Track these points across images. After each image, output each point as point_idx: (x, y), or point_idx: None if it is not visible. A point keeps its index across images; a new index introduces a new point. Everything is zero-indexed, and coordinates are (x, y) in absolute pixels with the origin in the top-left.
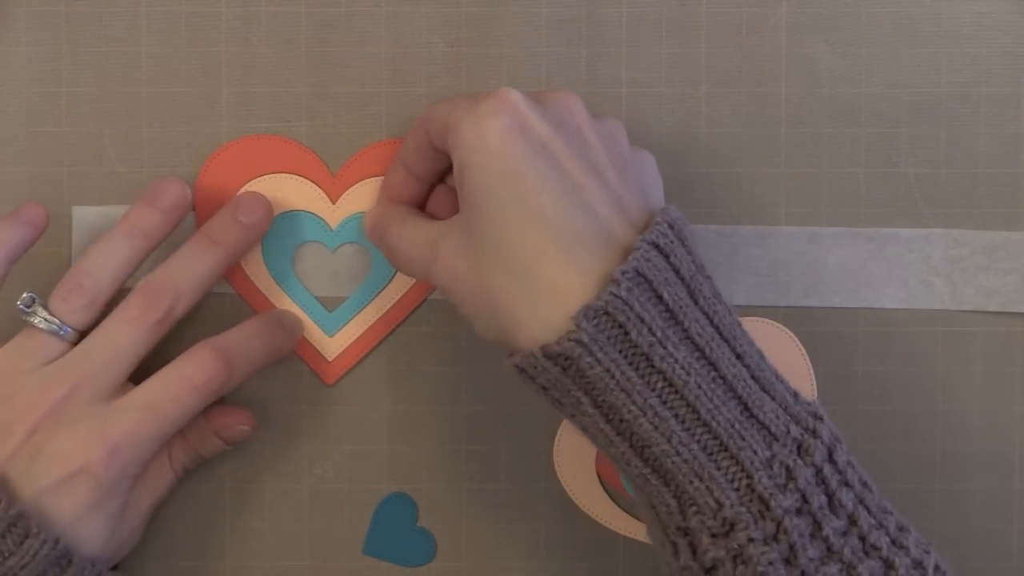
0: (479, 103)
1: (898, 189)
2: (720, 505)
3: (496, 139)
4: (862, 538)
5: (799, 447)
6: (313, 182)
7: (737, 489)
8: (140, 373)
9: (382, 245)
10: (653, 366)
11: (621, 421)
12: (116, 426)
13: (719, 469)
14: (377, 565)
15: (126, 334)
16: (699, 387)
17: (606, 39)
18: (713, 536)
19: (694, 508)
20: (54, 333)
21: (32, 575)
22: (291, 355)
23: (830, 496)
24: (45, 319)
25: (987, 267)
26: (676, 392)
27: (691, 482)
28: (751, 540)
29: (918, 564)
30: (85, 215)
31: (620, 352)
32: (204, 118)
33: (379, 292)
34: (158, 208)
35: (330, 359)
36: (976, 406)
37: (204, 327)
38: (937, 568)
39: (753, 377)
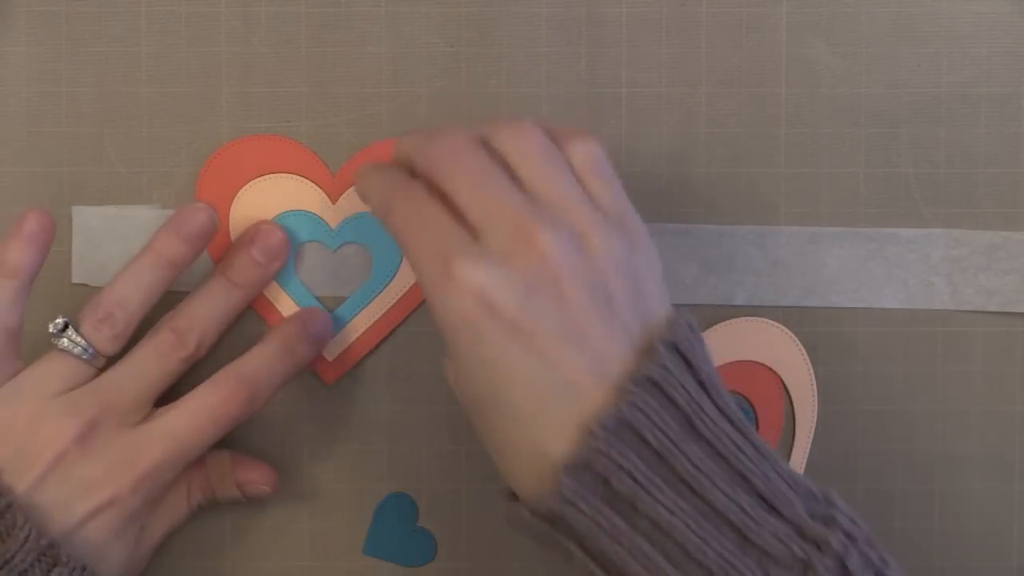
0: (445, 282)
1: (898, 189)
2: None
3: (463, 330)
4: None
5: (804, 566)
6: (313, 182)
7: None
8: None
9: (390, 219)
10: (637, 511)
11: (611, 565)
12: (144, 456)
13: None
14: (377, 565)
15: (156, 365)
16: (687, 525)
17: (606, 39)
18: None
19: None
20: (84, 359)
21: None
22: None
23: None
24: (79, 344)
25: (987, 267)
26: (663, 533)
27: None
28: None
29: None
30: (85, 215)
31: (604, 501)
32: (204, 118)
33: (379, 292)
34: (183, 237)
35: (330, 359)
36: (976, 406)
37: None
38: None
39: (759, 495)
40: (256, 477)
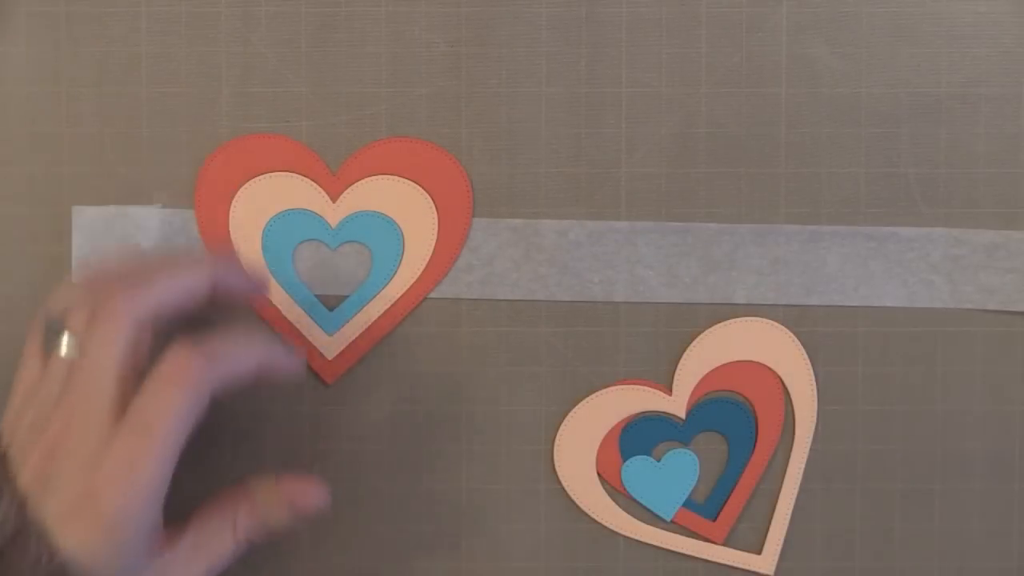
0: None
1: (898, 189)
2: None
3: None
4: None
5: None
6: (313, 180)
7: None
8: None
9: None
10: None
11: None
12: (115, 448)
13: None
14: (375, 568)
15: (111, 348)
16: None
17: (606, 39)
18: None
19: None
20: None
21: None
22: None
23: None
24: (65, 344)
25: (987, 266)
26: None
27: None
28: None
29: None
30: (85, 215)
31: None
32: (204, 118)
33: (379, 291)
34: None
35: (330, 358)
36: (976, 406)
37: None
38: None
39: None
40: (305, 488)
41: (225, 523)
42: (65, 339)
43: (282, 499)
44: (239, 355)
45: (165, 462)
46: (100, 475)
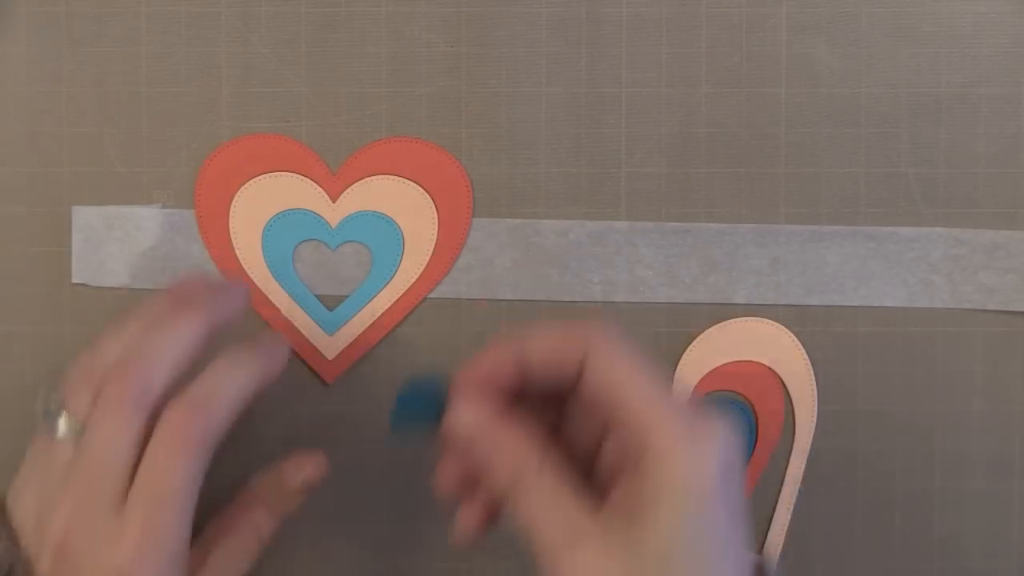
0: (700, 428)
1: (898, 189)
2: None
3: (712, 483)
4: None
5: None
6: (313, 180)
7: None
8: None
9: (496, 481)
10: None
11: None
12: (131, 526)
13: None
14: (375, 568)
15: (110, 427)
16: None
17: (606, 39)
18: None
19: None
20: (65, 436)
21: None
22: (290, 355)
23: None
24: (48, 424)
25: (987, 266)
26: None
27: None
28: None
29: None
30: (85, 215)
31: None
32: (204, 118)
33: (379, 291)
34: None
35: (330, 358)
36: (976, 406)
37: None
38: None
39: None
40: (305, 467)
41: (248, 530)
42: (63, 421)
43: (287, 486)
44: (235, 392)
45: (185, 524)
46: (125, 555)
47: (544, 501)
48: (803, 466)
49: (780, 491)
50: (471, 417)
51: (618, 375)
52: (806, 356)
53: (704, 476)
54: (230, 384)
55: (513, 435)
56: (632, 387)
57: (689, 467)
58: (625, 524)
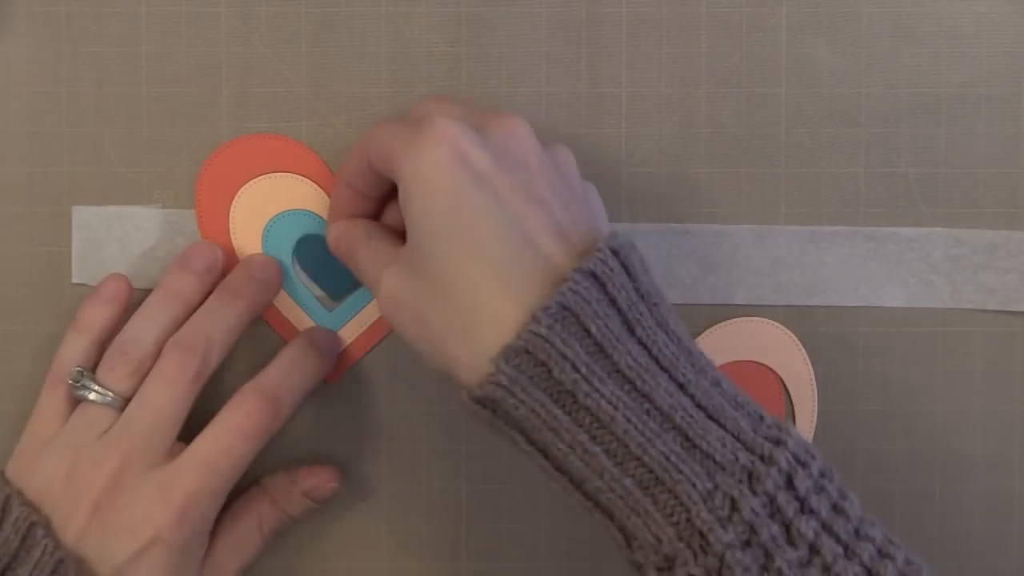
0: (419, 134)
1: (898, 189)
2: (659, 540)
3: (435, 172)
4: (826, 569)
5: (749, 475)
6: (313, 181)
7: (676, 523)
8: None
9: (348, 262)
10: (578, 402)
11: (554, 458)
12: (177, 488)
13: (655, 504)
14: (375, 568)
15: (164, 395)
16: (628, 421)
17: (606, 39)
18: (659, 570)
19: (637, 542)
20: (106, 404)
21: None
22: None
23: (787, 525)
24: (95, 390)
25: (987, 266)
26: (604, 427)
27: (628, 517)
28: None
29: None
30: (85, 215)
31: (544, 391)
32: (204, 118)
33: None
34: (192, 271)
35: None
36: (976, 406)
37: None
38: None
39: (698, 405)
40: (319, 480)
41: (251, 523)
42: (101, 393)
43: (298, 491)
44: (301, 390)
45: (223, 496)
46: (167, 514)
47: (369, 255)
48: None
49: None
50: (332, 230)
51: (383, 148)
52: (806, 356)
53: (426, 163)
54: (297, 378)
55: (350, 224)
56: (383, 145)
57: (411, 172)
58: (406, 245)
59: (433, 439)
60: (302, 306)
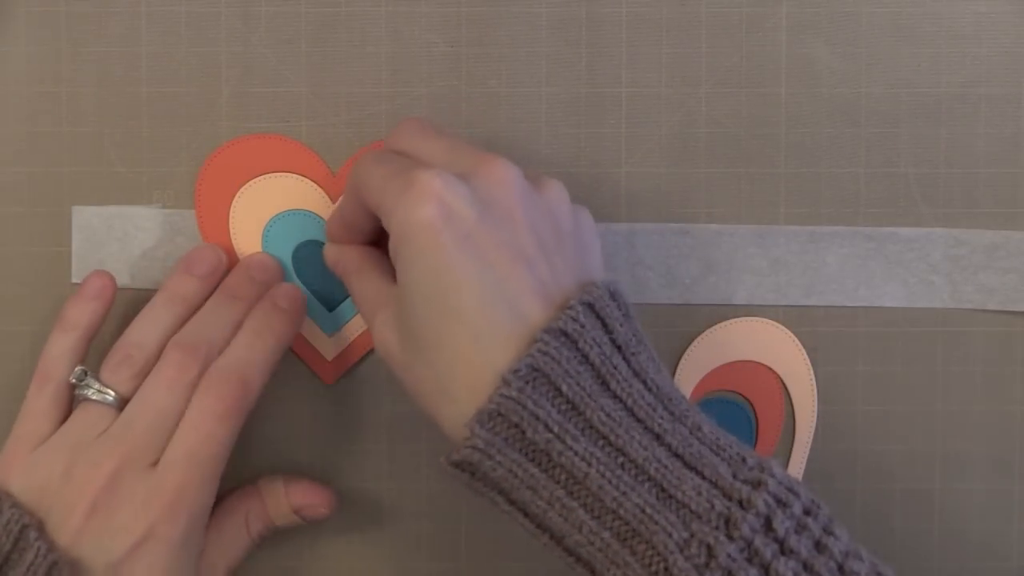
0: (407, 190)
1: (898, 189)
2: None
3: (421, 233)
4: None
5: (726, 521)
6: (313, 181)
7: (655, 573)
8: None
9: (344, 283)
10: (553, 460)
11: (534, 516)
12: (167, 483)
13: (634, 555)
14: (375, 568)
15: (164, 396)
16: (602, 476)
17: (606, 39)
18: None
19: None
20: (107, 404)
21: None
22: (290, 355)
23: (765, 568)
24: (98, 390)
25: (987, 266)
26: (579, 483)
27: (609, 570)
28: None
29: None
30: (85, 215)
31: (519, 451)
32: (204, 118)
33: None
34: (195, 275)
35: (329, 358)
36: (976, 406)
37: None
38: None
39: (675, 455)
40: (312, 500)
41: (240, 523)
42: (102, 393)
43: (289, 506)
44: (267, 360)
45: (213, 488)
46: (159, 512)
47: (361, 288)
48: (803, 466)
49: None
50: (329, 252)
51: (374, 197)
52: (806, 356)
53: (412, 223)
54: (262, 353)
55: (346, 251)
56: (374, 194)
57: (400, 219)
58: (396, 293)
59: (433, 439)
60: None
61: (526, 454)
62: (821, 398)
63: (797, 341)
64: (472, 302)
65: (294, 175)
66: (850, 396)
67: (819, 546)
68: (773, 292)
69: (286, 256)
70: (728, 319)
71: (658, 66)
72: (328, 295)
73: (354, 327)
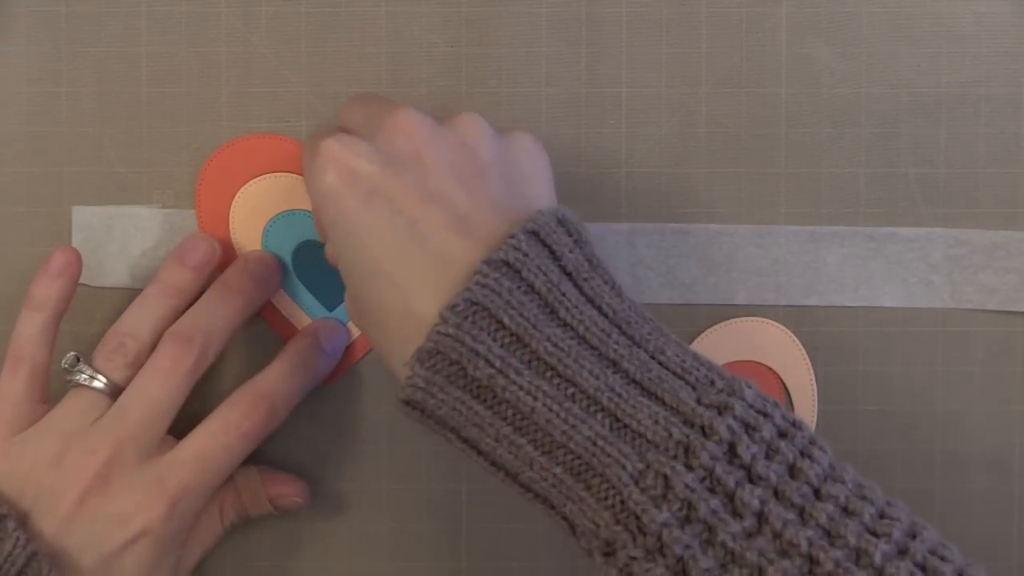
0: (311, 161)
1: (898, 189)
2: (597, 526)
3: (330, 200)
4: (776, 536)
5: (685, 450)
6: None
7: (611, 507)
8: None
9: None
10: (497, 396)
11: (486, 453)
12: (172, 481)
13: (589, 489)
14: (375, 568)
15: (159, 386)
16: (549, 409)
17: (606, 39)
18: (604, 555)
19: (579, 529)
20: (99, 390)
21: None
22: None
23: (729, 496)
24: (90, 375)
25: (987, 266)
26: (526, 418)
27: (565, 505)
28: (633, 559)
29: (861, 553)
30: (85, 215)
31: (462, 388)
32: (204, 118)
33: None
34: (188, 266)
35: None
36: (976, 406)
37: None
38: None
39: (633, 381)
40: (287, 491)
41: (215, 513)
42: (96, 380)
43: (264, 497)
44: (300, 393)
45: (209, 495)
46: (156, 510)
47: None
48: None
49: None
50: (329, 250)
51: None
52: (806, 356)
53: (320, 193)
54: (297, 383)
55: None
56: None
57: (312, 193)
58: None
59: (433, 439)
60: (302, 306)
61: (469, 391)
62: (821, 398)
63: (797, 341)
64: (385, 252)
65: (294, 175)
66: (850, 396)
67: (793, 471)
68: (773, 292)
69: (286, 256)
70: (728, 319)
71: (658, 66)
72: (328, 295)
73: (354, 327)
